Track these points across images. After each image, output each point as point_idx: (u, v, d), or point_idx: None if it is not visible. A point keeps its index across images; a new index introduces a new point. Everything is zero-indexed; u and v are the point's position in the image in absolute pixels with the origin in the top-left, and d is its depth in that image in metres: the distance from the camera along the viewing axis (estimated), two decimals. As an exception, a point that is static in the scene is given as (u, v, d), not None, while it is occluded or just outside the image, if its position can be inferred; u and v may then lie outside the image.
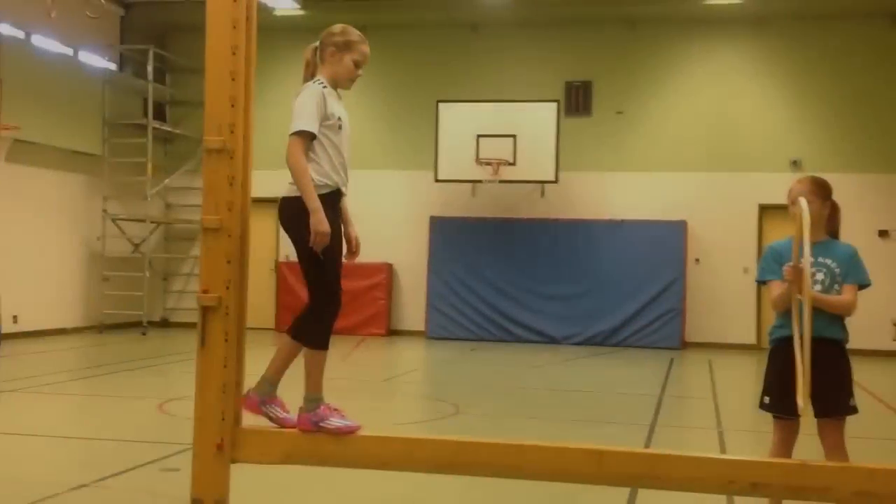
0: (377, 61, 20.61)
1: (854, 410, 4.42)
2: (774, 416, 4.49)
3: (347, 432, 4.03)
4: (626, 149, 16.46)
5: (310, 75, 4.31)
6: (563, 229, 16.20)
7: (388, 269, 16.87)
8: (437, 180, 16.17)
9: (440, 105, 16.07)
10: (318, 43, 4.37)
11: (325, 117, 4.14)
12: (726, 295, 15.92)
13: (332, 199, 4.17)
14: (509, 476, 4.05)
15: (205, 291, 3.97)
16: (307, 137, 4.08)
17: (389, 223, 17.06)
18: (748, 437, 7.64)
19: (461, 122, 15.90)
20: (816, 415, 4.38)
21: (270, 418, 4.13)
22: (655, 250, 15.86)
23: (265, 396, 4.16)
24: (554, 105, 15.82)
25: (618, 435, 7.66)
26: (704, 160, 16.21)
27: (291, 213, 4.11)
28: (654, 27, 16.47)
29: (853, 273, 4.37)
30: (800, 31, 15.99)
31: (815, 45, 15.94)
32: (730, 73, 16.24)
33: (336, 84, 4.29)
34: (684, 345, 15.65)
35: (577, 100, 16.63)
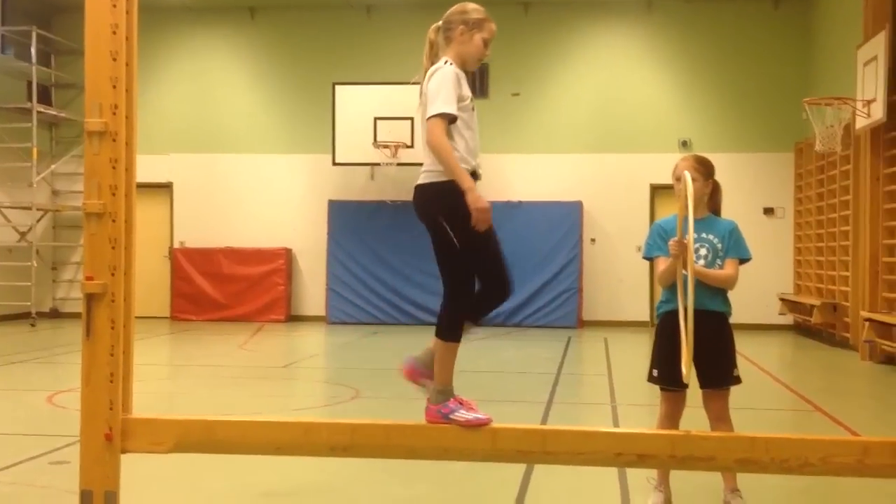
0: (271, 43, 20.34)
1: (737, 381, 4.58)
2: (662, 389, 4.62)
3: (478, 425, 3.89)
4: (523, 131, 16.64)
5: (434, 56, 4.17)
6: (461, 211, 16.26)
7: (286, 255, 16.70)
8: (335, 163, 16.07)
9: (337, 87, 15.95)
10: (440, 22, 4.22)
11: (460, 98, 4.01)
12: (621, 273, 16.27)
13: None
14: (406, 457, 4.08)
15: (89, 278, 3.86)
16: (448, 119, 3.95)
17: (287, 207, 16.91)
18: (640, 410, 7.84)
19: (358, 104, 15.81)
20: (702, 386, 4.54)
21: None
22: (553, 231, 16.11)
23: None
24: (450, 87, 15.83)
25: (516, 413, 7.76)
26: (598, 141, 16.51)
27: (428, 199, 4.00)
28: (548, 10, 16.66)
29: (734, 248, 4.52)
30: (688, 13, 16.39)
31: (702, 27, 16.37)
32: (621, 55, 16.55)
33: (464, 64, 4.15)
34: (581, 323, 15.96)
35: (473, 82, 16.63)
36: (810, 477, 4.59)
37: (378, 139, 15.62)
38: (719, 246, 4.51)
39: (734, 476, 4.57)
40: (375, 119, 15.67)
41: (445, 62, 4.08)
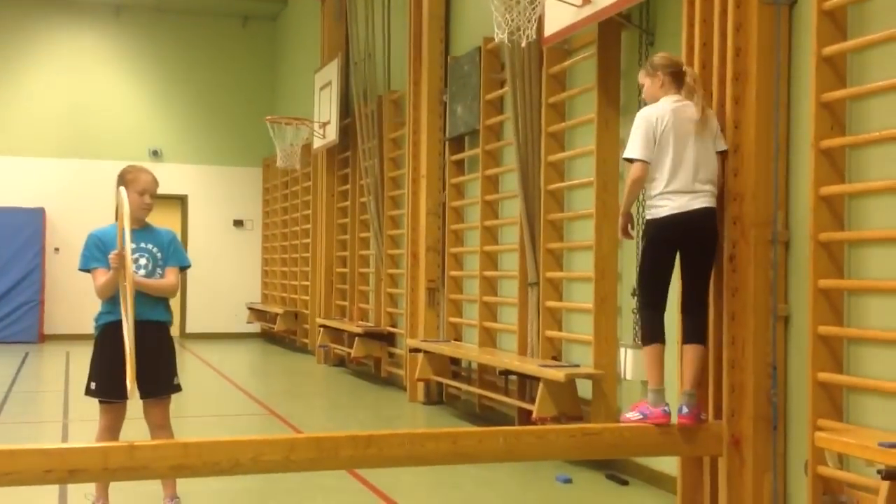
0: None
1: (178, 389, 4.66)
2: (101, 402, 4.54)
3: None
4: (-22, 130, 15.27)
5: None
6: None
7: None
8: None
9: None
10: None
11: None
12: (85, 286, 15.54)
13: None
14: None
15: None
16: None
17: None
18: (94, 425, 7.59)
19: None
20: (142, 396, 4.54)
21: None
22: (11, 239, 15.03)
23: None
24: None
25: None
26: (63, 146, 15.71)
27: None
28: (13, 4, 15.47)
29: (174, 256, 4.61)
30: (158, 23, 16.28)
31: (173, 38, 16.37)
32: (90, 59, 15.95)
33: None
34: (42, 338, 15.04)
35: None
36: (251, 476, 4.81)
37: None
38: (159, 255, 4.55)
39: (173, 483, 4.63)
40: None
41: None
